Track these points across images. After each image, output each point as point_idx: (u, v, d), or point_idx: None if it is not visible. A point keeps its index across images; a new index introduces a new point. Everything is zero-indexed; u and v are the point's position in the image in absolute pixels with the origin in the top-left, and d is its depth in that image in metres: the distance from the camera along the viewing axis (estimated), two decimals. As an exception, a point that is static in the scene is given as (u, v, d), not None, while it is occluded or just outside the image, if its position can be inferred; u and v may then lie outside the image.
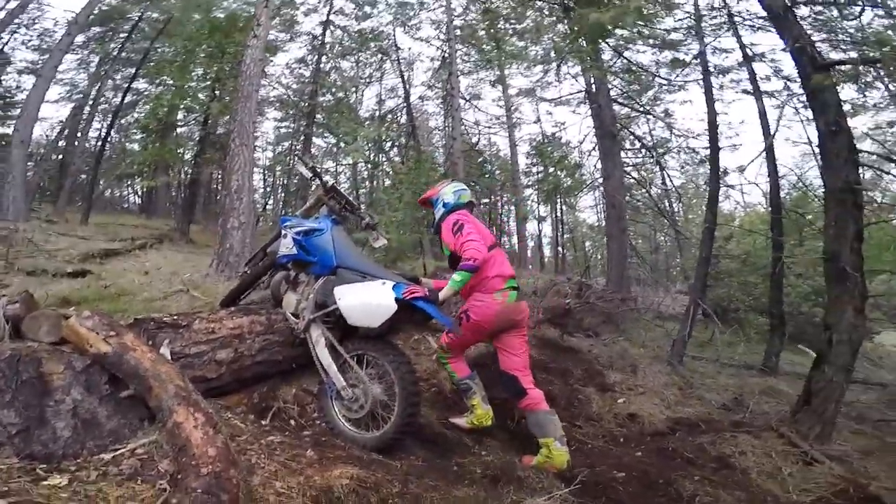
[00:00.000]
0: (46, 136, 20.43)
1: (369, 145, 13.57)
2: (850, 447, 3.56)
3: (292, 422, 2.87)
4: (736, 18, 6.97)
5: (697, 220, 15.28)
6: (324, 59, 16.22)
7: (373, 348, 2.82)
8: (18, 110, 13.69)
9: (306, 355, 2.95)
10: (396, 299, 2.64)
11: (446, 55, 12.76)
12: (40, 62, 14.76)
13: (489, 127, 18.82)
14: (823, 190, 4.30)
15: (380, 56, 15.76)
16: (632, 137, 11.09)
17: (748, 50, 7.01)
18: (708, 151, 9.89)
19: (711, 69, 7.31)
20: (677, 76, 8.94)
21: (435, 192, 3.38)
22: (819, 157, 4.34)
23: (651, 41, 8.35)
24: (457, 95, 11.84)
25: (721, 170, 6.87)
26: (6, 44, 15.85)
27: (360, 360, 2.83)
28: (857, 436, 3.91)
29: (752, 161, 6.69)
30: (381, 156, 16.21)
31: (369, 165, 16.63)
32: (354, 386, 2.76)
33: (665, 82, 9.65)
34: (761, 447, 3.30)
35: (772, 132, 6.59)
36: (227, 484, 1.70)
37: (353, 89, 16.67)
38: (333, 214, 3.30)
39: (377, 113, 16.57)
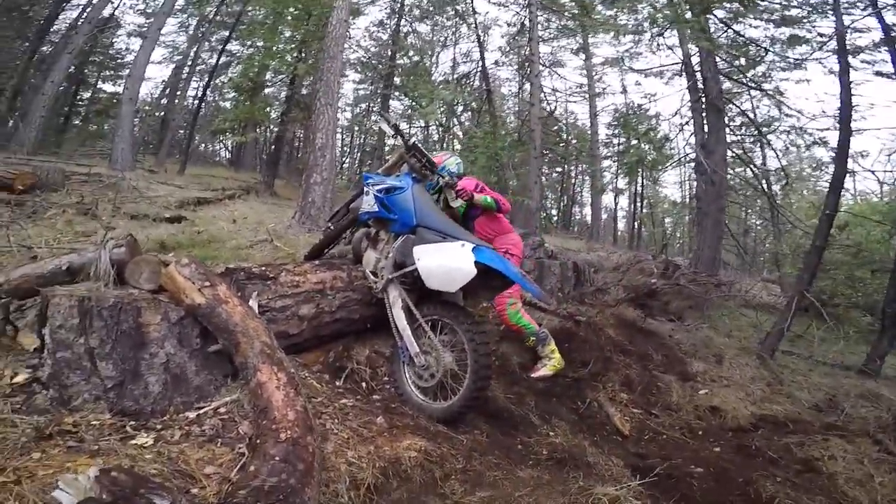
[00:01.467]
0: (151, 94, 22.25)
1: (443, 108, 13.40)
2: None
3: (364, 384, 2.90)
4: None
5: (796, 204, 13.98)
6: (402, 21, 16.28)
7: (448, 314, 2.76)
8: (128, 70, 14.81)
9: (382, 316, 2.94)
10: (476, 263, 2.54)
11: (525, 21, 12.19)
12: (146, 25, 15.82)
13: (569, 95, 18.01)
14: None
15: (456, 20, 15.40)
16: (733, 113, 10.26)
17: (893, 30, 6.10)
18: (823, 133, 9.21)
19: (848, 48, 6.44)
20: (801, 54, 8.11)
21: (440, 161, 3.59)
22: None
23: (766, 16, 7.43)
24: (537, 62, 11.33)
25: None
26: (116, 8, 17.10)
27: (434, 325, 2.79)
28: None
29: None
30: (453, 119, 16.06)
31: (440, 129, 16.54)
32: (427, 353, 2.73)
33: (778, 59, 8.83)
34: (853, 453, 3.00)
35: None
36: (304, 452, 1.70)
37: (430, 52, 16.55)
38: (414, 172, 3.24)
39: (451, 77, 16.38)
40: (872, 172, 7.55)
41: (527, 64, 12.44)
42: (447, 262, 2.61)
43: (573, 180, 25.83)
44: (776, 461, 2.93)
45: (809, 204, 12.94)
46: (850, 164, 6.05)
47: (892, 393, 4.54)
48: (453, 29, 16.15)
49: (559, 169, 24.52)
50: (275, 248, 5.11)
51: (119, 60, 19.69)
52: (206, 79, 18.12)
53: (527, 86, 13.52)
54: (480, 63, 14.64)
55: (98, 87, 20.73)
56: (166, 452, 1.80)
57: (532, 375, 3.52)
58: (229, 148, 27.32)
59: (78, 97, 19.87)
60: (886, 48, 6.37)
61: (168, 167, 15.18)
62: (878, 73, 6.77)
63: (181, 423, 2.04)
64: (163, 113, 19.84)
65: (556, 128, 19.39)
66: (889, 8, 6.09)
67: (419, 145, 3.26)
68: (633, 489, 2.28)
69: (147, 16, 17.11)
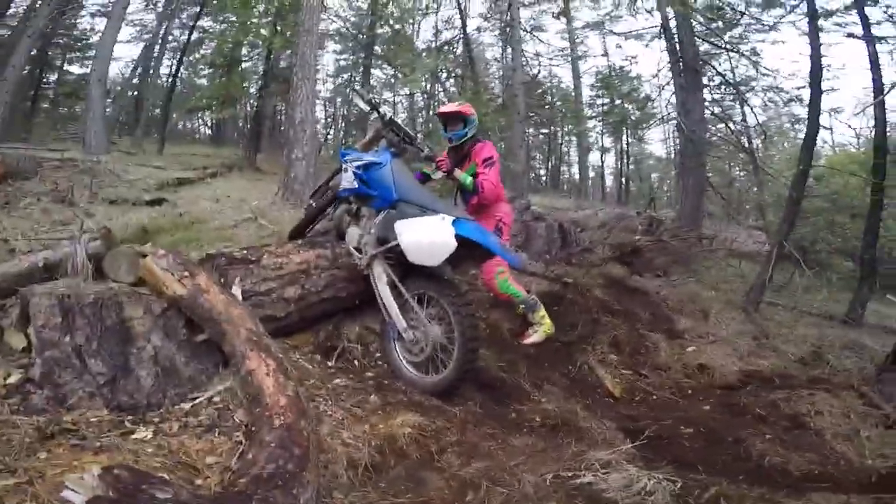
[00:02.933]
0: (122, 74, 21.38)
1: (426, 76, 13.14)
2: None
3: (356, 362, 2.92)
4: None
5: (777, 156, 14.09)
6: None
7: (433, 287, 2.76)
8: (94, 51, 14.24)
9: (369, 291, 2.93)
10: (456, 235, 2.54)
11: None
12: (109, 4, 15.11)
13: (551, 59, 17.70)
14: None
15: None
16: (712, 73, 10.32)
17: None
18: (798, 91, 9.42)
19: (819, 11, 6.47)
20: (774, 17, 8.23)
21: (472, 112, 3.59)
22: None
23: None
24: (517, 27, 11.10)
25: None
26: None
27: (420, 299, 2.80)
28: None
29: (868, 106, 6.02)
30: (437, 87, 15.75)
31: (426, 96, 16.23)
32: (415, 328, 2.74)
33: (753, 21, 8.94)
34: (839, 407, 3.06)
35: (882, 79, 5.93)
36: (299, 437, 1.72)
37: (410, 21, 16.06)
38: (392, 147, 3.19)
39: (434, 44, 15.96)
40: (849, 126, 7.63)
41: (508, 29, 12.17)
42: (428, 237, 2.60)
43: (560, 141, 25.66)
44: (764, 418, 2.98)
45: (790, 156, 13.06)
46: (827, 120, 6.14)
47: (874, 342, 4.67)
48: None
49: (545, 131, 24.31)
50: (259, 226, 5.04)
51: (85, 41, 18.83)
52: (179, 56, 17.47)
53: (509, 51, 13.26)
54: (462, 30, 14.29)
55: (64, 69, 19.93)
56: (167, 445, 1.82)
57: (523, 342, 3.55)
58: (209, 125, 26.68)
59: (44, 80, 19.09)
60: (857, 10, 6.38)
61: (146, 147, 14.75)
62: (850, 35, 6.76)
63: (178, 415, 2.05)
64: (136, 93, 19.21)
65: (539, 91, 19.13)
66: None
67: (396, 119, 3.21)
68: (625, 452, 2.32)
69: None
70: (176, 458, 1.74)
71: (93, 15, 17.80)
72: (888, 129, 6.61)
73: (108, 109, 14.29)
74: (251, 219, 5.26)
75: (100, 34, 13.52)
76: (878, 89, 6.03)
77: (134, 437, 1.85)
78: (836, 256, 8.55)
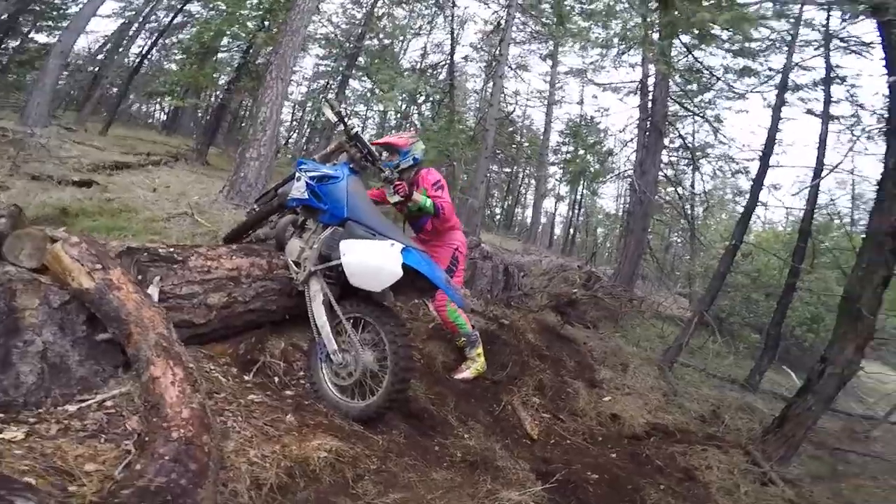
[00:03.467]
0: (89, 48, 20.26)
1: (404, 96, 13.29)
2: (805, 472, 3.69)
3: (276, 379, 2.78)
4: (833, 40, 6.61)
5: (714, 227, 15.17)
6: (379, 3, 15.92)
7: (371, 313, 2.68)
8: (68, 22, 13.50)
9: (301, 307, 2.83)
10: (403, 265, 2.48)
11: (502, 21, 12.35)
12: None
13: (528, 99, 18.38)
14: (865, 230, 4.19)
15: (434, 9, 15.23)
16: (673, 135, 11.02)
17: (834, 72, 6.68)
18: (747, 164, 10.11)
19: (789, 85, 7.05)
20: (747, 86, 8.69)
21: (407, 145, 3.55)
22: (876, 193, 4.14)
23: (727, 45, 7.98)
24: (504, 63, 11.47)
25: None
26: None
27: (356, 323, 2.71)
28: (814, 461, 4.04)
29: (808, 188, 6.54)
30: (412, 108, 15.87)
31: (399, 116, 16.32)
32: (346, 351, 2.65)
33: (726, 88, 9.45)
34: (727, 463, 3.34)
35: (823, 159, 6.47)
36: (198, 452, 1.61)
37: (401, 38, 16.25)
38: (353, 163, 3.13)
39: (419, 65, 16.19)
40: (781, 203, 8.31)
41: (494, 63, 12.55)
42: (374, 261, 2.54)
43: (519, 182, 26.44)
44: (662, 469, 3.17)
45: (724, 229, 14.11)
46: (765, 195, 6.62)
47: (766, 406, 5.12)
48: (430, 18, 15.92)
49: (507, 169, 25.00)
50: (195, 223, 4.78)
51: (62, 11, 17.69)
52: (155, 37, 16.76)
53: (490, 85, 13.63)
54: (450, 56, 14.59)
55: (29, 36, 18.62)
56: (39, 448, 1.64)
57: (455, 376, 3.60)
58: (166, 111, 25.52)
59: (2, 45, 17.73)
60: (823, 88, 6.93)
61: (89, 126, 13.93)
62: (809, 112, 7.33)
63: (59, 417, 1.86)
64: (97, 69, 18.15)
65: (510, 129, 19.73)
66: (837, 49, 6.64)
67: (361, 135, 3.15)
68: (535, 494, 2.38)
69: None
70: (48, 463, 1.58)
71: None
72: (818, 213, 7.15)
73: (61, 83, 13.40)
74: (187, 214, 4.98)
75: (81, 5, 12.77)
76: (819, 170, 6.49)
77: (1, 436, 1.67)
78: (746, 328, 9.25)
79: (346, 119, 3.17)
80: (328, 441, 2.22)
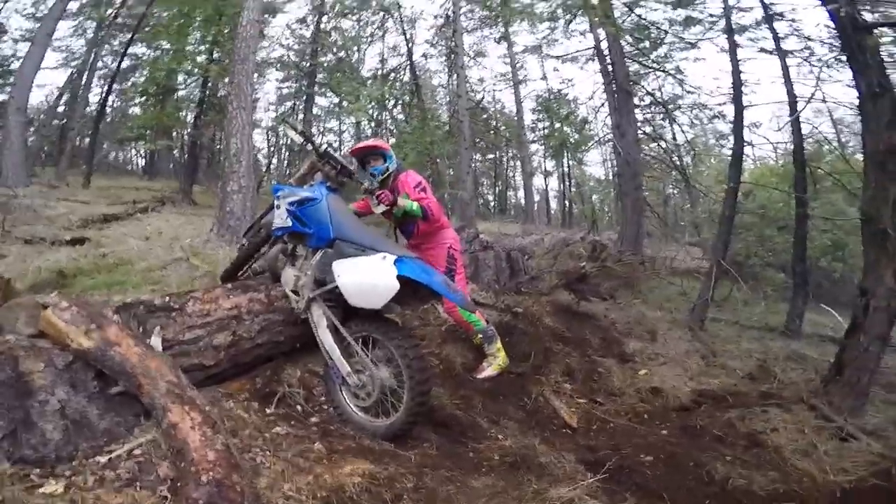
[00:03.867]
0: (46, 101, 20.17)
1: (372, 104, 13.25)
2: (884, 419, 3.35)
3: (299, 407, 2.70)
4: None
5: (707, 172, 15.06)
6: (324, 18, 15.88)
7: (377, 329, 2.61)
8: (12, 78, 13.37)
9: (309, 333, 2.75)
10: (399, 276, 2.40)
11: (450, 13, 12.30)
12: (34, 30, 14.32)
13: (494, 84, 18.36)
14: (863, 152, 4.02)
15: (381, 14, 15.23)
16: (642, 93, 10.88)
17: (770, 9, 6.56)
18: (721, 107, 9.91)
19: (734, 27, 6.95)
20: (695, 35, 8.79)
21: (389, 147, 3.57)
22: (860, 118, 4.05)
23: None
24: (461, 53, 11.51)
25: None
26: (0, 11, 15.34)
27: (365, 341, 2.63)
28: (891, 406, 3.67)
29: (788, 122, 6.41)
30: (384, 114, 15.83)
31: (373, 124, 16.28)
32: (360, 372, 2.57)
33: (677, 40, 9.47)
34: (793, 422, 3.08)
35: (794, 92, 6.31)
36: (230, 492, 1.59)
37: (355, 49, 16.30)
38: (329, 181, 3.03)
39: (380, 72, 16.18)
40: (767, 140, 8.19)
41: (452, 56, 12.49)
42: (368, 278, 2.46)
43: (505, 166, 26.37)
44: (722, 439, 2.96)
45: (718, 171, 13.93)
46: (748, 135, 6.50)
47: (814, 352, 4.84)
48: (379, 24, 15.89)
49: (491, 156, 24.92)
50: (191, 266, 4.70)
51: (5, 67, 17.61)
52: (108, 83, 16.64)
53: (454, 77, 13.60)
54: (408, 57, 14.52)
55: None
56: (80, 500, 1.65)
57: (477, 376, 3.49)
58: (143, 155, 25.46)
59: None
60: (767, 25, 6.81)
61: (70, 180, 13.79)
62: (762, 50, 7.24)
63: (93, 468, 1.84)
64: (63, 121, 18.07)
65: (484, 117, 19.64)
66: None
67: (332, 151, 3.05)
68: (587, 486, 2.25)
69: (36, 20, 15.39)
70: None
71: (15, 41, 16.81)
72: (805, 142, 7.04)
73: (30, 139, 13.33)
74: (182, 258, 4.90)
75: (21, 60, 12.71)
76: (792, 104, 6.38)
77: (42, 490, 1.68)
78: (768, 269, 9.06)
79: (311, 137, 3.14)
80: (360, 465, 2.15)
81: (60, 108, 18.63)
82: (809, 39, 6.54)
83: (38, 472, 1.77)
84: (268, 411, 2.57)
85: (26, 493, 1.64)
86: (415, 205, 3.30)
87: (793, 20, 6.71)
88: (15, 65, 16.09)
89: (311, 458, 2.18)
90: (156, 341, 2.26)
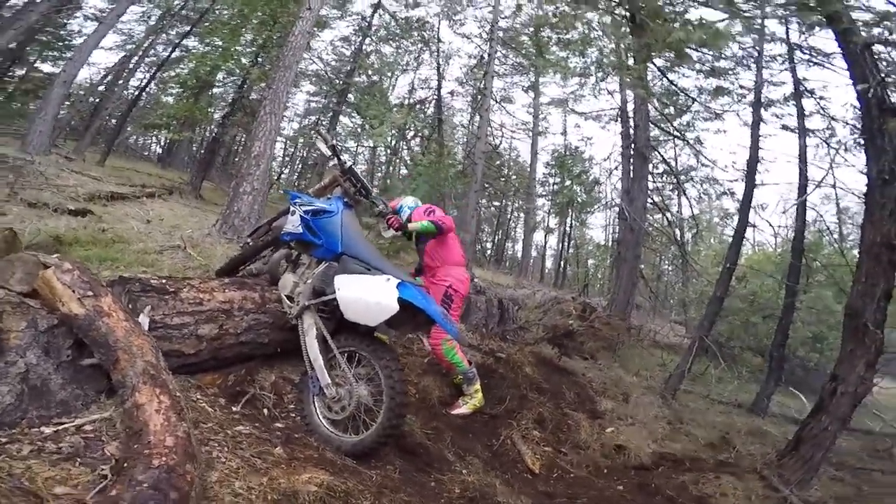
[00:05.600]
0: (91, 79, 20.61)
1: (393, 131, 13.47)
2: (827, 494, 3.54)
3: (266, 411, 2.70)
4: (795, 52, 6.77)
5: (704, 253, 15.27)
6: (367, 40, 16.35)
7: (365, 347, 2.63)
8: (72, 53, 13.75)
9: (294, 340, 2.79)
10: (399, 300, 2.45)
11: (485, 55, 12.71)
12: (107, 10, 14.90)
13: (513, 131, 18.78)
14: (859, 245, 4.17)
15: (420, 45, 15.71)
16: (657, 160, 11.01)
17: (802, 85, 6.82)
18: (731, 184, 10.16)
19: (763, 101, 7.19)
20: (722, 105, 8.97)
21: (396, 204, 3.83)
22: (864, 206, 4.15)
23: (698, 66, 8.22)
24: (489, 96, 11.72)
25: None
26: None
27: (350, 357, 2.65)
28: (836, 482, 3.89)
29: (794, 205, 6.54)
30: (402, 143, 16.12)
31: (388, 151, 16.57)
32: (339, 385, 2.59)
33: (702, 109, 9.67)
34: (743, 489, 3.21)
35: (807, 173, 6.47)
36: (179, 481, 1.54)
37: (389, 74, 16.68)
38: (347, 197, 3.11)
39: (406, 101, 16.54)
40: (769, 223, 8.35)
41: (479, 97, 12.80)
42: (369, 296, 2.51)
43: (509, 216, 26.62)
44: (674, 499, 3.03)
45: (715, 253, 14.12)
46: (751, 217, 6.64)
47: (776, 430, 5.01)
48: (416, 54, 16.40)
49: (497, 203, 25.20)
50: (187, 256, 4.72)
51: (67, 42, 18.14)
52: (154, 71, 17.13)
53: (476, 118, 13.86)
54: (437, 91, 14.89)
55: (35, 65, 18.96)
56: (8, 467, 1.58)
57: (451, 412, 3.53)
58: (162, 144, 25.83)
59: (10, 74, 18.03)
60: (794, 102, 7.05)
61: (88, 156, 13.98)
62: (784, 127, 7.47)
63: (33, 438, 1.79)
64: (98, 99, 18.41)
65: (498, 163, 19.99)
66: (801, 62, 6.83)
67: (355, 170, 3.15)
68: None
69: (110, 0, 16.04)
70: (15, 483, 1.50)
71: (86, 17, 17.40)
72: (806, 230, 7.17)
73: (63, 112, 13.59)
74: (180, 247, 4.93)
75: (85, 37, 13.11)
76: (802, 186, 6.52)
77: None
78: (746, 352, 9.16)
79: (340, 153, 3.17)
80: (319, 475, 2.12)
81: (101, 88, 19.02)
82: (833, 119, 6.80)
83: (-28, 435, 1.71)
84: (234, 409, 2.58)
85: (-49, 454, 1.58)
86: (426, 223, 3.45)
87: (821, 97, 6.97)
88: (76, 41, 16.70)
89: (270, 460, 2.17)
90: (143, 320, 2.27)
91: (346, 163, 3.14)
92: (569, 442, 3.69)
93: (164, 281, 2.67)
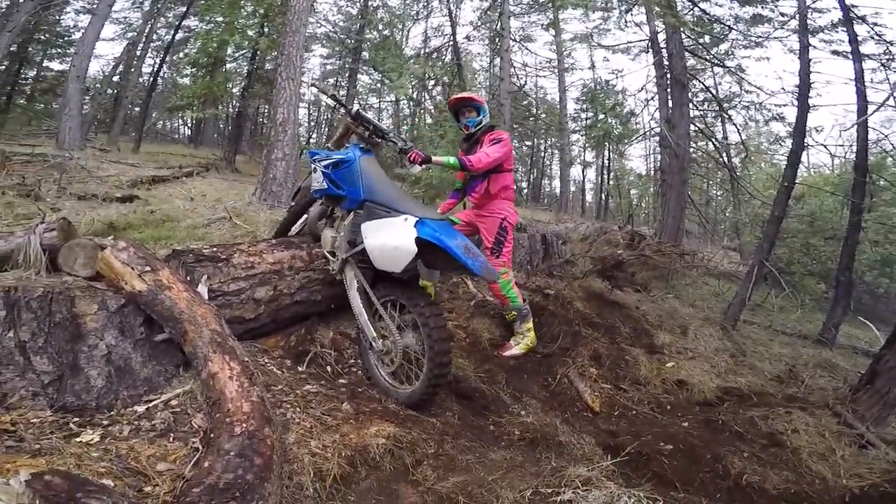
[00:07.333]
0: (102, 71, 21.02)
1: (413, 83, 13.13)
2: None
3: (329, 368, 2.78)
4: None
5: (754, 176, 14.48)
6: None
7: (402, 294, 2.58)
8: (74, 48, 13.92)
9: (345, 295, 2.80)
10: (417, 239, 2.29)
11: None
12: (95, 2, 14.86)
13: (538, 70, 17.88)
14: None
15: None
16: (696, 89, 10.51)
17: (852, 12, 6.21)
18: (781, 109, 9.70)
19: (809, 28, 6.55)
20: (763, 33, 8.33)
21: (484, 101, 3.60)
22: None
23: None
24: (506, 36, 11.13)
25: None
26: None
27: (393, 305, 2.63)
28: None
29: (855, 124, 6.03)
30: (423, 94, 15.74)
31: (411, 103, 16.22)
32: (385, 337, 2.60)
33: (741, 37, 9.04)
34: (815, 426, 3.04)
35: (866, 96, 5.95)
36: (261, 446, 1.59)
37: (400, 27, 16.11)
38: (362, 142, 3.03)
39: (422, 51, 15.99)
40: (825, 147, 7.77)
41: (497, 39, 12.23)
42: (389, 241, 2.40)
43: (542, 154, 25.97)
44: (742, 435, 2.94)
45: (767, 176, 13.34)
46: (806, 139, 6.17)
47: (846, 363, 4.73)
48: (425, 3, 15.72)
49: (529, 143, 24.57)
50: (234, 225, 4.88)
51: (67, 38, 18.42)
52: (163, 55, 17.29)
53: (497, 60, 13.28)
54: (451, 37, 14.30)
55: (44, 65, 19.46)
56: (114, 449, 1.68)
57: (503, 354, 3.50)
58: (189, 125, 26.33)
59: (22, 76, 18.59)
60: (844, 28, 6.46)
61: (121, 146, 14.45)
62: (835, 52, 6.96)
63: (129, 418, 1.91)
64: (116, 90, 18.80)
65: (525, 102, 19.31)
66: None
67: (363, 113, 3.04)
68: (605, 469, 2.25)
69: None
70: (123, 464, 1.61)
71: (77, 12, 17.58)
72: (869, 150, 6.68)
73: (85, 107, 13.96)
74: (225, 218, 5.08)
75: (83, 31, 13.22)
76: (862, 108, 6.04)
77: (78, 440, 1.72)
78: (809, 278, 8.71)
79: (342, 100, 3.12)
80: (385, 427, 2.20)
81: (115, 78, 19.35)
82: (891, 44, 6.27)
83: (77, 421, 1.82)
84: (300, 369, 2.66)
85: (64, 441, 1.68)
86: (451, 159, 3.29)
87: (875, 24, 6.42)
88: (75, 36, 16.91)
89: (339, 417, 2.24)
90: (202, 290, 2.33)
91: (351, 108, 3.03)
92: (628, 378, 3.61)
93: (215, 249, 2.72)
